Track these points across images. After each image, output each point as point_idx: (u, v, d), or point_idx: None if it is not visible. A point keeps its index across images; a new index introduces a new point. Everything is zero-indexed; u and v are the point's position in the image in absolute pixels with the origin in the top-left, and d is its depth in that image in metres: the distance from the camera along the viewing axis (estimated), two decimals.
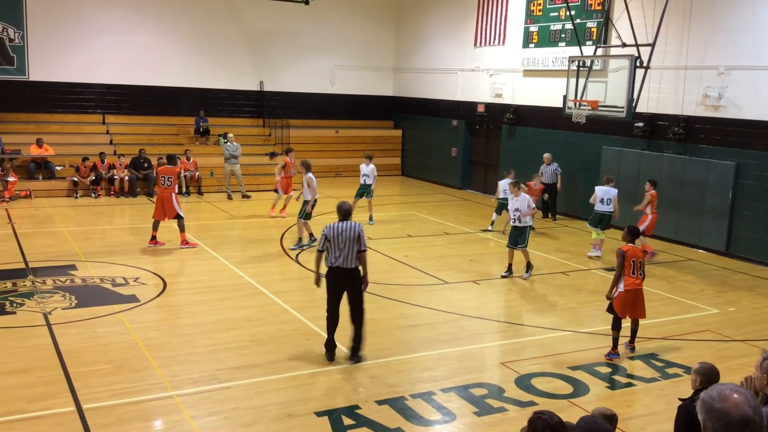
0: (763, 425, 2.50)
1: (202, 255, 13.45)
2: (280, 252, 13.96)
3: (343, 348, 8.55)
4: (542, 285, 12.32)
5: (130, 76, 22.39)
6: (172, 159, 14.31)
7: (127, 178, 19.65)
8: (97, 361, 8.17)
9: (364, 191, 16.78)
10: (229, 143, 19.86)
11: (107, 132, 22.07)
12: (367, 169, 16.77)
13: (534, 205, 12.56)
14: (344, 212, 8.48)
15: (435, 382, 7.94)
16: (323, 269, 8.45)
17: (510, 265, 12.71)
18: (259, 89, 24.52)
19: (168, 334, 9.14)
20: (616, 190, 14.11)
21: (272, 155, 22.97)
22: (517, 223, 12.45)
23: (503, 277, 12.62)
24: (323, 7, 23.60)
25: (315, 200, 14.15)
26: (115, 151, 20.85)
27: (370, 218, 16.91)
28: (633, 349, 9.03)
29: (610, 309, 8.88)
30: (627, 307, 8.74)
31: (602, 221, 14.08)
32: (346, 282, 8.31)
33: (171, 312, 10.04)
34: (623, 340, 9.13)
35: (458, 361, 8.65)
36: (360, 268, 8.34)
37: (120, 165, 19.78)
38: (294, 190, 16.77)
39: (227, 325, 9.51)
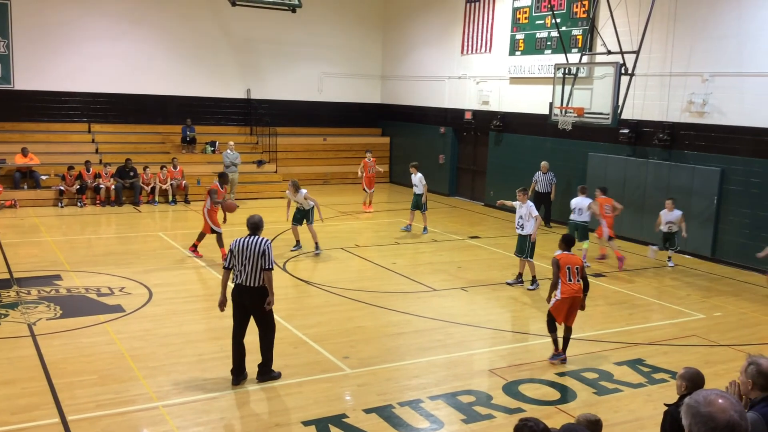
0: (749, 429, 2.51)
1: (188, 264, 13.37)
2: None
3: (334, 359, 8.51)
4: (529, 292, 12.32)
5: (116, 84, 22.31)
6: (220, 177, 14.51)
7: (113, 187, 19.54)
8: (81, 371, 8.09)
9: (417, 202, 16.72)
10: (229, 151, 19.93)
11: (93, 141, 21.95)
12: (415, 178, 16.72)
13: (536, 213, 12.40)
14: (252, 226, 7.97)
15: (423, 390, 7.92)
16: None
17: (520, 274, 12.62)
18: (246, 97, 24.49)
19: (154, 344, 9.07)
20: (590, 200, 14.10)
21: (260, 163, 22.93)
22: (519, 231, 12.44)
23: (509, 284, 12.60)
24: (310, 15, 23.62)
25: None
26: (100, 160, 20.73)
27: (424, 228, 16.86)
28: (564, 360, 8.86)
29: (549, 316, 8.90)
30: (563, 313, 8.74)
31: (576, 230, 13.95)
32: (249, 302, 7.76)
33: (157, 322, 9.96)
34: (608, 348, 9.14)
35: (446, 369, 8.64)
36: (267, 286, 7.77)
37: (106, 174, 19.67)
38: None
39: (213, 335, 9.45)
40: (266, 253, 7.72)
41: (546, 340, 9.75)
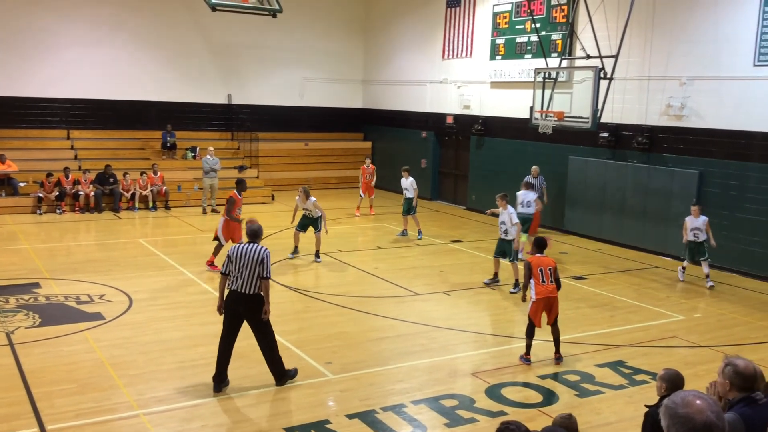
0: (726, 430, 2.53)
1: (168, 271, 13.28)
2: None
3: (316, 365, 8.47)
4: (511, 295, 12.36)
5: (95, 90, 22.14)
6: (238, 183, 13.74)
7: (92, 193, 19.36)
8: (61, 380, 7.99)
9: (407, 206, 16.70)
10: (209, 156, 19.79)
11: (72, 147, 21.76)
12: (406, 182, 16.72)
13: (517, 220, 12.55)
14: (251, 233, 7.95)
15: (406, 395, 7.91)
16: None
17: (495, 274, 12.81)
18: (227, 102, 24.40)
19: (134, 352, 8.98)
20: (535, 194, 15.12)
21: (241, 168, 22.84)
22: (503, 236, 12.55)
23: (486, 284, 12.72)
24: (291, 20, 23.59)
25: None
26: (80, 167, 20.54)
27: (419, 233, 16.83)
28: (560, 359, 9.01)
29: (529, 319, 8.99)
30: (539, 314, 8.88)
31: (524, 224, 14.23)
32: (244, 309, 7.73)
33: (137, 329, 9.87)
34: (588, 350, 9.19)
35: (429, 373, 8.64)
36: (263, 294, 7.74)
37: (85, 180, 19.49)
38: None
39: (194, 342, 9.38)
40: (264, 261, 7.70)
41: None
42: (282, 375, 7.98)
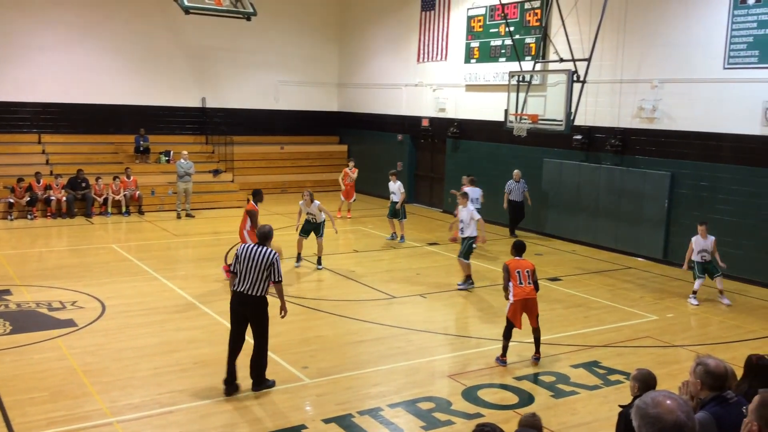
0: (696, 429, 2.56)
1: (142, 276, 13.14)
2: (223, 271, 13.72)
3: (293, 370, 8.43)
4: (488, 296, 12.43)
5: (67, 94, 21.86)
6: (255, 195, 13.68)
7: (64, 198, 19.10)
8: (33, 388, 7.87)
9: (393, 210, 16.74)
10: (183, 160, 19.61)
11: (43, 152, 21.44)
12: (394, 186, 16.75)
13: (479, 217, 12.65)
14: (262, 235, 7.93)
15: (382, 398, 7.91)
16: None
17: (467, 276, 12.87)
18: (201, 106, 24.23)
19: (107, 359, 8.87)
20: (480, 190, 16.23)
21: (216, 173, 22.69)
22: (462, 234, 12.70)
23: (459, 288, 12.79)
24: (266, 23, 23.47)
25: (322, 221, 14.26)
26: (51, 171, 20.25)
27: (401, 237, 16.79)
28: (538, 359, 9.13)
29: (507, 321, 9.08)
30: (518, 316, 8.97)
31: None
32: (247, 310, 7.75)
33: (110, 336, 9.75)
34: (563, 351, 9.26)
35: (406, 376, 8.64)
36: (269, 296, 7.78)
37: (57, 185, 19.21)
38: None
39: (169, 348, 9.29)
40: (274, 265, 7.70)
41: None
42: (261, 382, 7.94)
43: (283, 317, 8.03)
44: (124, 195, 19.78)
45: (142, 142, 22.21)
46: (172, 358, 8.91)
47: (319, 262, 14.13)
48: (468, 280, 12.86)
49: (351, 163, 20.36)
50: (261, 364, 7.93)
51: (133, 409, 7.45)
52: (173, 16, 21.50)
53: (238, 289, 7.75)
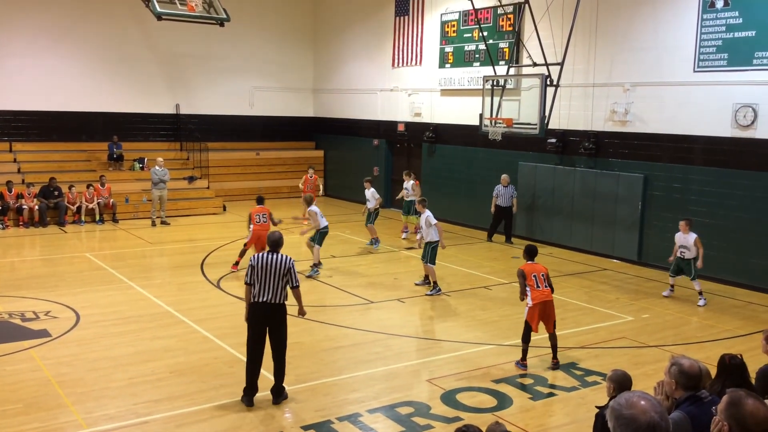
0: (669, 430, 2.59)
1: (117, 285, 12.99)
2: (200, 279, 13.63)
3: (270, 377, 8.37)
4: (465, 300, 12.48)
5: (38, 101, 21.57)
6: (261, 200, 14.67)
7: (36, 207, 18.82)
8: (5, 400, 7.73)
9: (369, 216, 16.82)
10: (158, 167, 19.44)
11: (15, 160, 21.13)
12: (368, 193, 16.84)
13: (435, 222, 12.71)
14: (273, 243, 7.88)
15: (361, 404, 7.89)
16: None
17: (433, 282, 12.87)
18: (175, 112, 24.05)
19: (82, 369, 8.75)
20: (412, 181, 17.64)
21: (191, 179, 22.53)
22: (418, 239, 13.08)
23: (417, 284, 13.04)
24: (239, 29, 23.40)
25: (324, 228, 14.14)
26: (23, 180, 19.95)
27: (372, 242, 16.76)
28: (557, 365, 9.17)
29: (526, 324, 9.12)
30: (536, 319, 9.02)
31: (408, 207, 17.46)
32: (270, 319, 7.72)
33: (85, 346, 9.62)
34: (541, 353, 9.33)
35: (385, 381, 8.63)
36: (287, 303, 7.78)
37: (29, 194, 18.94)
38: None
39: (145, 357, 9.19)
40: (291, 270, 7.68)
41: (483, 348, 9.90)
42: (281, 392, 7.89)
43: (302, 317, 8.18)
44: (98, 203, 19.56)
45: (115, 150, 21.99)
46: (147, 367, 8.82)
47: (313, 267, 14.04)
48: (435, 286, 12.82)
49: (311, 171, 20.29)
50: (283, 376, 7.90)
51: (108, 419, 7.35)
52: (145, 22, 21.39)
53: (260, 300, 7.64)
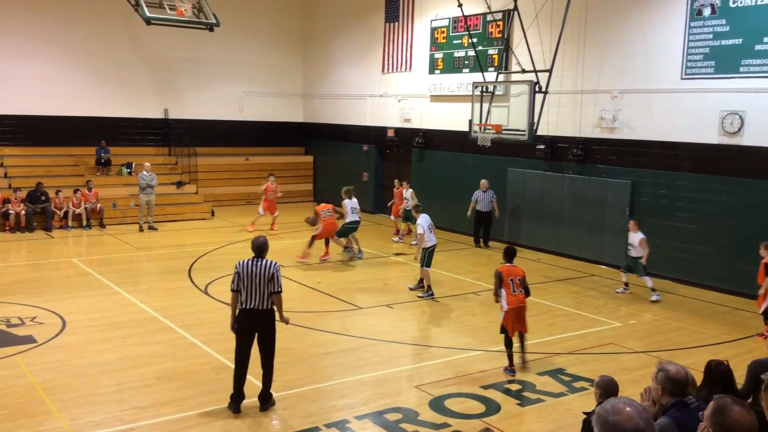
0: None
1: (104, 290, 12.90)
2: (187, 284, 13.57)
3: (258, 383, 8.33)
4: (454, 305, 12.49)
5: (25, 105, 21.43)
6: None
7: (23, 212, 18.68)
8: None
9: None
10: (145, 172, 19.33)
11: (1, 165, 20.99)
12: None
13: (420, 231, 12.79)
14: (257, 248, 7.75)
15: (350, 410, 7.87)
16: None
17: (427, 286, 12.97)
18: (163, 117, 23.97)
19: (68, 375, 8.68)
20: (411, 191, 18.18)
21: (179, 184, 22.44)
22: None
23: (420, 297, 12.93)
24: (229, 34, 23.35)
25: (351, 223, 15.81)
26: (10, 185, 19.80)
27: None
28: (526, 362, 9.30)
29: (503, 329, 9.20)
30: (511, 323, 9.12)
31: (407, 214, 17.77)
32: (258, 325, 7.66)
33: (71, 352, 9.54)
34: (531, 359, 9.34)
35: (373, 387, 8.61)
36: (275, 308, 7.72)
37: (15, 199, 18.80)
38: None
39: (132, 363, 9.13)
40: (275, 276, 7.60)
41: (471, 354, 9.90)
42: (268, 399, 7.84)
43: (287, 324, 8.03)
44: (85, 208, 19.44)
45: (103, 154, 21.87)
46: (134, 373, 8.76)
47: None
48: (429, 290, 12.90)
49: (272, 178, 19.72)
50: (270, 382, 7.85)
51: (94, 426, 7.29)
52: (134, 26, 21.27)
53: (248, 307, 7.58)
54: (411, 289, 13.23)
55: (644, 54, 15.12)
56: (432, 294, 12.86)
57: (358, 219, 15.94)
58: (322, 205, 15.95)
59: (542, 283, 14.32)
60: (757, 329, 11.21)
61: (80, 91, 22.26)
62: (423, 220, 12.88)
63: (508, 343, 9.13)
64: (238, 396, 7.73)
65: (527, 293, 9.23)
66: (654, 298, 13.05)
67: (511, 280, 9.06)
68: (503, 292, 9.06)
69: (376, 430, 7.40)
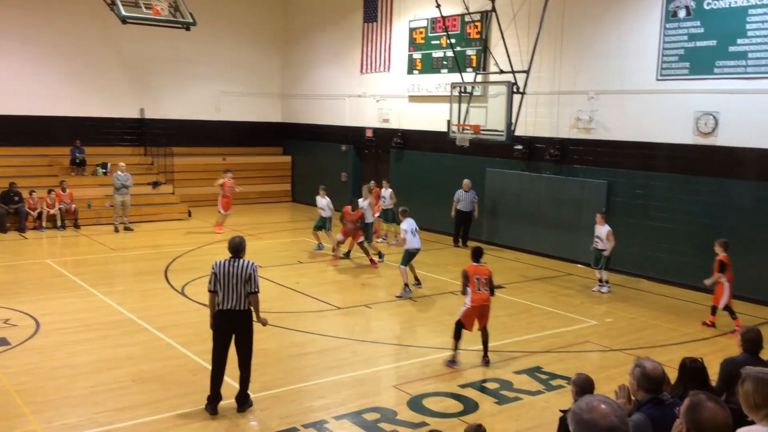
0: None
1: (79, 292, 12.74)
2: (164, 285, 13.44)
3: (235, 384, 8.27)
4: (433, 305, 12.50)
5: None
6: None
7: None
8: None
9: (321, 223, 16.79)
10: (120, 172, 19.11)
11: None
12: (323, 202, 16.69)
13: (403, 235, 13.05)
14: (234, 248, 7.67)
15: (328, 410, 7.84)
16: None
17: (405, 284, 13.10)
18: (139, 117, 23.73)
19: (42, 378, 8.55)
20: (390, 191, 17.98)
21: (155, 185, 22.24)
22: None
23: (398, 297, 13.00)
24: (206, 33, 23.16)
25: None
26: None
27: (319, 245, 17.00)
28: (488, 362, 9.39)
29: (458, 323, 9.34)
30: (472, 320, 9.33)
31: (385, 214, 18.00)
32: (235, 326, 7.60)
33: (45, 354, 9.40)
34: (507, 357, 9.37)
35: (351, 387, 8.60)
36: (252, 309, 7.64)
37: None
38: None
39: (107, 365, 9.02)
40: (252, 276, 7.52)
41: (449, 353, 9.88)
42: (246, 401, 7.78)
43: (264, 326, 7.92)
44: (60, 209, 19.18)
45: (77, 154, 21.60)
46: (109, 375, 8.65)
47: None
48: (406, 288, 13.05)
49: (229, 174, 19.35)
50: (248, 383, 7.78)
51: (69, 429, 7.20)
52: (110, 25, 21.02)
53: (224, 308, 7.52)
54: (397, 297, 13.02)
55: (620, 55, 15.26)
56: (409, 292, 12.91)
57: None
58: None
59: (520, 282, 14.40)
60: (730, 326, 11.32)
61: (55, 91, 21.96)
62: (406, 224, 13.01)
63: (458, 335, 9.29)
64: (214, 397, 7.67)
65: (492, 292, 9.40)
66: (602, 289, 13.59)
67: (477, 279, 9.24)
68: (468, 289, 9.25)
69: (355, 430, 7.39)
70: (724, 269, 11.32)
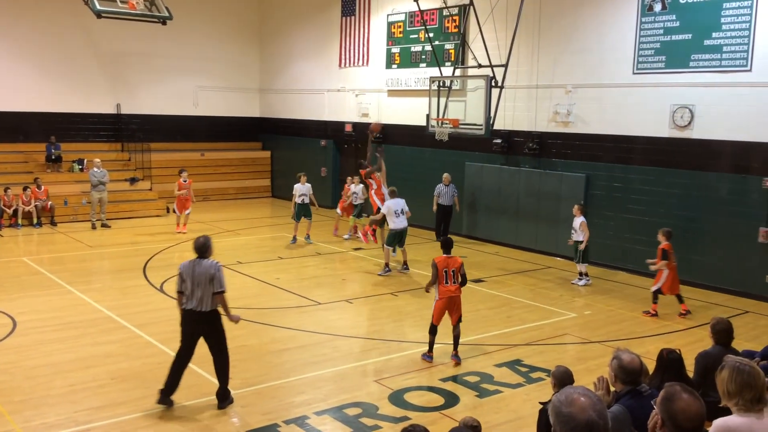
0: (608, 428, 2.63)
1: (56, 290, 12.60)
2: (142, 282, 13.33)
3: (215, 381, 8.25)
4: (413, 300, 12.53)
5: None
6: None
7: None
8: None
9: (306, 211, 17.18)
10: (96, 169, 18.88)
11: None
12: (304, 188, 17.19)
13: (383, 210, 14.29)
14: (198, 248, 7.59)
15: (309, 406, 7.84)
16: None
17: (386, 264, 14.06)
18: (116, 112, 23.47)
19: (19, 377, 8.45)
20: (361, 186, 17.65)
21: (133, 181, 22.03)
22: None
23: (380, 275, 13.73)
24: (183, 28, 22.98)
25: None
26: None
27: (307, 236, 17.37)
28: (458, 358, 9.29)
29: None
30: (439, 313, 9.27)
31: (356, 209, 17.86)
32: (201, 327, 7.56)
33: (22, 353, 9.29)
34: (489, 351, 9.42)
35: (333, 382, 8.60)
36: (220, 309, 7.61)
37: None
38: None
39: (85, 363, 8.93)
40: (216, 276, 7.45)
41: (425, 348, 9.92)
42: (226, 397, 7.75)
43: (236, 323, 7.88)
44: (35, 206, 18.94)
45: (53, 151, 21.33)
46: (88, 374, 8.58)
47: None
48: (386, 267, 13.97)
49: (184, 174, 18.50)
50: (227, 380, 7.74)
51: (47, 428, 7.13)
52: (85, 19, 20.75)
53: (188, 308, 7.49)
54: (399, 272, 14.14)
55: (597, 49, 15.36)
56: (389, 270, 13.84)
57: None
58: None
59: (500, 275, 14.48)
60: (706, 318, 11.45)
61: (29, 86, 21.65)
62: (392, 203, 13.93)
63: (432, 330, 9.29)
64: (168, 391, 7.61)
65: (464, 283, 9.33)
66: (580, 282, 13.77)
67: (445, 271, 9.17)
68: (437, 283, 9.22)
69: (336, 426, 7.39)
70: (667, 257, 11.63)
